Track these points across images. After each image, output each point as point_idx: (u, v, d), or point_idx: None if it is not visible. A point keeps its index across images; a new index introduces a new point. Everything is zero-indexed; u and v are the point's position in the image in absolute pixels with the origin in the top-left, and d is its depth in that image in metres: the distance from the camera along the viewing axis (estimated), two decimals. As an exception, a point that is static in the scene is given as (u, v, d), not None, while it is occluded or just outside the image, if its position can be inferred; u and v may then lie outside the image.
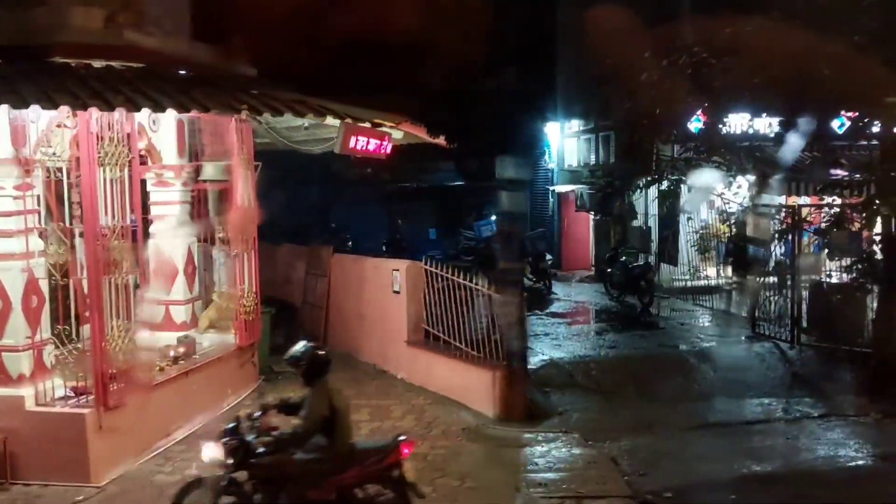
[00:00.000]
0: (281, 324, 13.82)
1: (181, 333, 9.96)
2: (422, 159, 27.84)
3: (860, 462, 8.18)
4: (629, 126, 16.32)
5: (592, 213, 20.54)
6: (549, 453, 8.17)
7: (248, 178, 10.29)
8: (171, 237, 10.41)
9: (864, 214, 9.61)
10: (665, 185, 16.02)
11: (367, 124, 8.23)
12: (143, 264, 10.77)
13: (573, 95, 21.05)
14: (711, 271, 16.49)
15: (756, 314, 12.70)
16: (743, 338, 12.65)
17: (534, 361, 11.24)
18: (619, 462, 8.03)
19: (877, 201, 9.34)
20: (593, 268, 21.12)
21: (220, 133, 10.09)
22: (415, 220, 27.49)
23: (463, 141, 26.13)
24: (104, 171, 7.49)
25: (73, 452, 7.38)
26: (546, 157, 23.58)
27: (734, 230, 14.04)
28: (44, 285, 8.04)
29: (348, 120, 8.01)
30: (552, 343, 12.63)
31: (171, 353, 9.56)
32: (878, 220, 10.25)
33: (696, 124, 15.46)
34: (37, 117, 7.54)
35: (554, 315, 15.17)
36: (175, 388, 8.96)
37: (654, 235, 18.07)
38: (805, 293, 11.84)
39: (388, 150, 9.37)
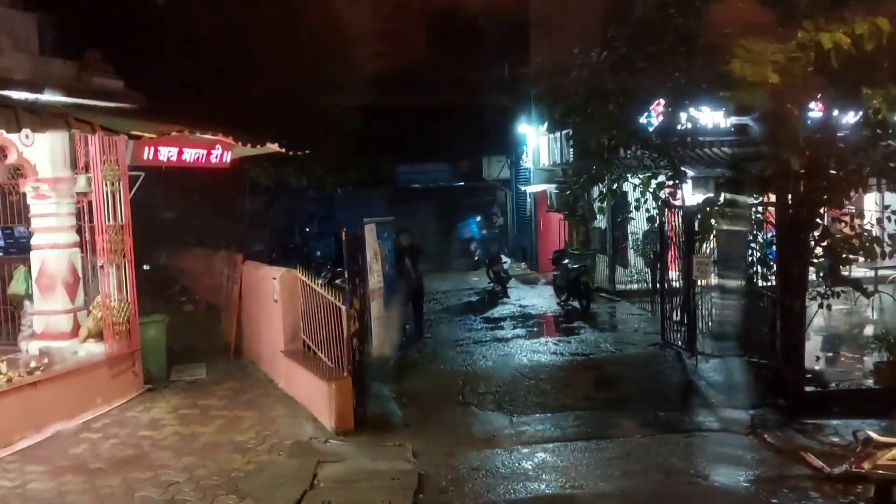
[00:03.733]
0: (203, 329, 14.12)
1: (43, 343, 10.16)
2: (417, 161, 28.02)
3: (685, 482, 7.72)
4: (569, 124, 15.93)
5: (561, 213, 20.11)
6: (359, 468, 7.99)
7: (117, 191, 10.41)
8: (50, 249, 10.67)
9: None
10: (607, 183, 15.51)
11: (125, 135, 8.16)
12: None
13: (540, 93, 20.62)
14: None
15: (664, 321, 12.20)
16: (650, 346, 12.18)
17: (418, 369, 11.04)
18: (430, 478, 7.80)
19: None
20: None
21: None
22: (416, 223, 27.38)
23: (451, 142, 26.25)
24: None
25: None
26: (523, 156, 23.27)
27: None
28: None
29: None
30: (454, 350, 12.44)
31: (32, 363, 9.77)
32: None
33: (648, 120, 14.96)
34: None
35: (486, 320, 14.95)
36: (21, 398, 9.08)
37: (608, 237, 17.61)
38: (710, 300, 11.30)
39: (226, 159, 9.30)
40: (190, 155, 8.88)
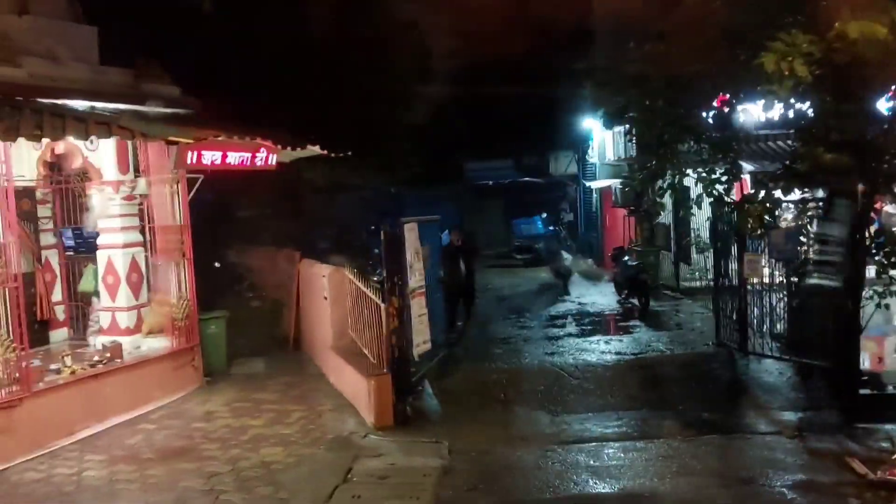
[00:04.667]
0: (266, 323, 14.56)
1: (107, 338, 10.71)
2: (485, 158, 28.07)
3: (720, 485, 7.55)
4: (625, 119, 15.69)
5: (626, 208, 19.81)
6: (393, 464, 8.14)
7: (175, 193, 10.89)
8: (114, 248, 11.24)
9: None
10: (668, 179, 15.20)
11: (162, 140, 8.46)
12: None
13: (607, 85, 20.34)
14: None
15: (718, 320, 11.90)
16: (704, 345, 11.92)
17: (463, 367, 11.12)
18: (461, 475, 7.89)
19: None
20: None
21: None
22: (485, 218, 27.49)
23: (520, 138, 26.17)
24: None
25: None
26: (589, 151, 23.03)
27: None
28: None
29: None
30: (503, 348, 12.47)
31: (96, 357, 10.32)
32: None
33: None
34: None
35: (541, 317, 14.97)
36: (84, 390, 9.60)
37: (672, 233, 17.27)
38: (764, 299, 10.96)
39: (272, 162, 9.58)
40: (234, 158, 9.20)
